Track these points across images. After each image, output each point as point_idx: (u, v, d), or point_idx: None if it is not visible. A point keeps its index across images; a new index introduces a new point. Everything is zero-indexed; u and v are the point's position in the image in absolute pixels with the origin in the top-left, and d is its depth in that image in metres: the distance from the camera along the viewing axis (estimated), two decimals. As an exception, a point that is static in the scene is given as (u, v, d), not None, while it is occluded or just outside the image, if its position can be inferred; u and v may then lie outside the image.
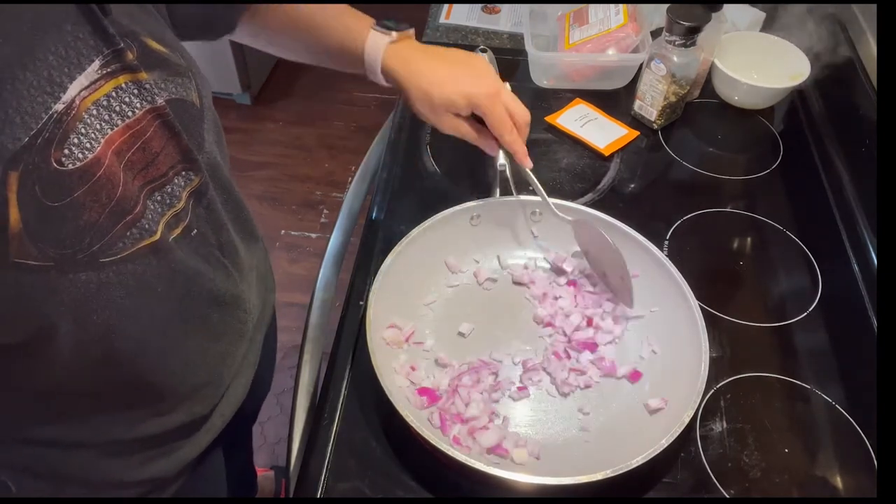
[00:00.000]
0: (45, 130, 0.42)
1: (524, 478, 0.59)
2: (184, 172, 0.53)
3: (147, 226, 0.50)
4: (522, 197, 0.82)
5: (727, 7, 0.99)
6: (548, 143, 1.02)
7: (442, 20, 1.23)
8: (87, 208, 0.45)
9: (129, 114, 0.48)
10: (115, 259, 0.47)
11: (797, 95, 1.09)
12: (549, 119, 1.04)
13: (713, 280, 0.84)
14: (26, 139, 0.41)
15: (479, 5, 1.26)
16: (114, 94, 0.47)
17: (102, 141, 0.46)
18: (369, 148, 1.06)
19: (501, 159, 0.83)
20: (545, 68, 1.08)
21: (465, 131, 0.74)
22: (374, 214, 0.91)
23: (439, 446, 0.60)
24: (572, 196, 0.93)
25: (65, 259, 0.44)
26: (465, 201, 0.81)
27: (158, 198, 0.51)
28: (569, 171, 0.98)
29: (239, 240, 0.66)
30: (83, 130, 0.44)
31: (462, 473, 0.62)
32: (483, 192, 0.86)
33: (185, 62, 0.56)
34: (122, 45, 0.47)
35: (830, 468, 0.69)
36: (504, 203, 0.82)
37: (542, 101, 1.08)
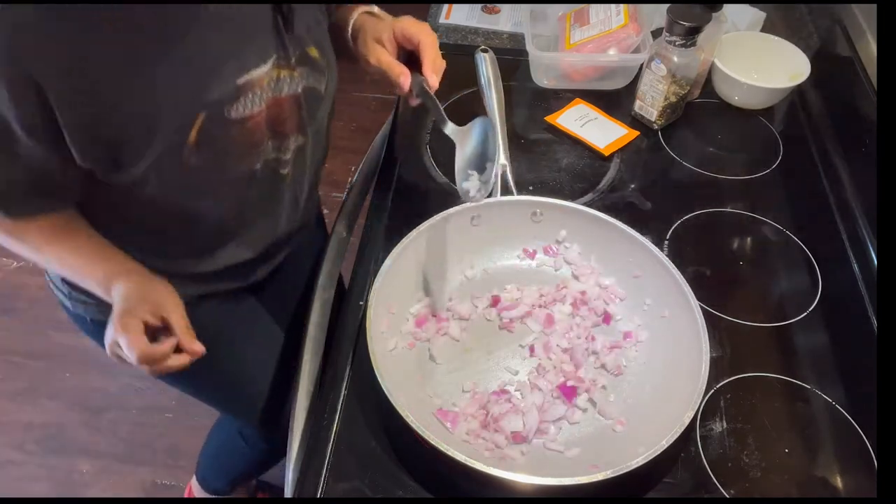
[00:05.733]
0: (228, 93, 0.67)
1: (524, 478, 0.59)
2: (296, 134, 0.78)
3: (264, 153, 0.75)
4: (522, 197, 0.82)
5: (727, 7, 0.99)
6: (548, 143, 1.02)
7: (442, 20, 1.23)
8: (235, 140, 0.70)
9: (280, 93, 0.72)
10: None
11: (797, 95, 1.09)
12: (549, 119, 1.04)
13: (713, 280, 0.84)
14: (217, 95, 0.66)
15: (479, 5, 1.25)
16: (276, 79, 0.71)
17: (262, 106, 0.70)
18: (369, 148, 1.06)
19: (502, 159, 0.83)
20: (546, 68, 1.08)
21: (385, 58, 0.78)
22: (374, 214, 0.91)
23: (439, 446, 0.60)
24: (572, 196, 0.93)
25: (209, 159, 0.70)
26: (465, 201, 0.81)
27: (277, 144, 0.76)
28: (569, 171, 0.98)
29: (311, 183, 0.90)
30: (250, 97, 0.68)
31: (462, 473, 0.61)
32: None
33: (328, 63, 0.78)
34: (290, 52, 0.71)
35: (830, 468, 0.69)
36: (504, 203, 0.81)
37: (542, 101, 1.08)
